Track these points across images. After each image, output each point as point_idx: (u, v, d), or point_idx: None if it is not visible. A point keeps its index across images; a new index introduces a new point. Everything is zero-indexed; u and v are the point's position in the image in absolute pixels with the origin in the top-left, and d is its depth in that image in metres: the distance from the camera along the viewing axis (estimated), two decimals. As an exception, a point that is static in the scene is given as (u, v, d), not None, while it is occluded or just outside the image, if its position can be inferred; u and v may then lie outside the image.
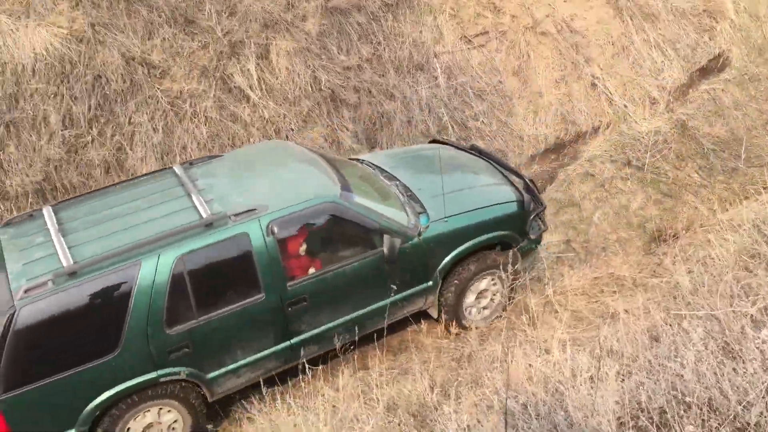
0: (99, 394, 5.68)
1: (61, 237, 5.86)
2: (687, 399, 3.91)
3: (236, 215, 5.95)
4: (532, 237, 7.20)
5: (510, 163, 8.55)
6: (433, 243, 6.62)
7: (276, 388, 6.34)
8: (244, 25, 9.02)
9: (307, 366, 6.17)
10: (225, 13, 9.04)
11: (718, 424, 4.12)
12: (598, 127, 10.16)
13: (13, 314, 5.32)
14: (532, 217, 7.16)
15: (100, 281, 5.58)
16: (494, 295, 7.15)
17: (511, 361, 5.42)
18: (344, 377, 6.36)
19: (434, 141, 8.40)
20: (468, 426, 4.78)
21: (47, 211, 6.21)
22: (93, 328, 5.63)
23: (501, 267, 6.89)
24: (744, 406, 4.19)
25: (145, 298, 5.68)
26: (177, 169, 6.65)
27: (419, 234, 6.56)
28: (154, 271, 5.69)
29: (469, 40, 10.13)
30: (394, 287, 6.49)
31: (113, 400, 5.77)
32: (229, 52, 8.89)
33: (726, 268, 6.32)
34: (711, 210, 8.58)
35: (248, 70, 8.88)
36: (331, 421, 5.60)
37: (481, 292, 7.07)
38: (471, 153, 7.89)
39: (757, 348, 4.60)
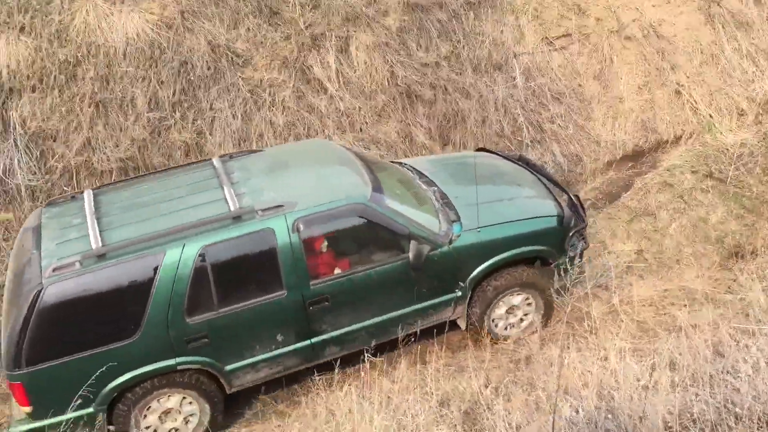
0: (118, 376, 5.78)
1: (95, 220, 5.98)
2: (737, 410, 3.78)
3: (263, 210, 5.98)
4: (571, 254, 6.96)
5: (557, 178, 8.30)
6: (464, 252, 6.48)
7: (334, 373, 6.40)
8: (326, 18, 9.18)
9: (367, 356, 6.18)
10: (309, 5, 9.22)
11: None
12: (680, 137, 9.87)
13: (39, 291, 5.50)
14: (572, 233, 6.94)
15: (125, 265, 5.69)
16: (525, 315, 6.96)
17: (567, 366, 5.34)
18: (402, 369, 6.37)
19: (481, 149, 8.27)
20: (517, 426, 4.75)
21: (88, 194, 6.36)
22: (115, 311, 5.75)
23: (535, 285, 6.74)
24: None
25: (167, 285, 5.76)
26: (215, 161, 6.73)
27: (450, 242, 6.43)
28: (178, 259, 5.77)
29: (551, 42, 10.00)
30: (421, 294, 6.39)
31: (131, 383, 5.88)
32: (310, 44, 9.07)
33: (804, 289, 6.08)
34: (794, 229, 8.24)
35: (327, 62, 9.04)
36: (384, 410, 5.65)
37: (511, 308, 6.88)
38: (518, 164, 7.72)
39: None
